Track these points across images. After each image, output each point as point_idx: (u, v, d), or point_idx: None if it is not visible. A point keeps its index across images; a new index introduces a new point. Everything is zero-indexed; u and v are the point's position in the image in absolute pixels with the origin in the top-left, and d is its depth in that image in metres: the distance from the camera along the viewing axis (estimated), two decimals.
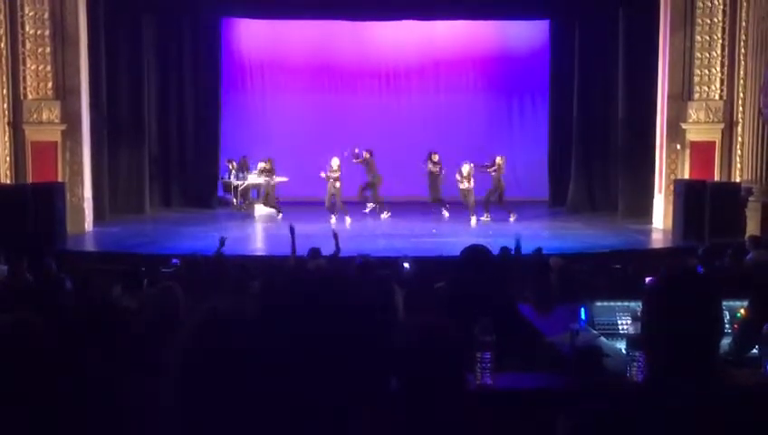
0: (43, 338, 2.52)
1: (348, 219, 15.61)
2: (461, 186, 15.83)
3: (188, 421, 1.49)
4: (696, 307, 2.13)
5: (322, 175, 15.75)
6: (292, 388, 1.44)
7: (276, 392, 1.44)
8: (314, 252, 9.30)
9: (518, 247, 8.97)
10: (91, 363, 2.91)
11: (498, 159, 16.11)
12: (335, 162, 15.82)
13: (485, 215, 15.90)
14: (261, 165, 16.81)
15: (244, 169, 17.93)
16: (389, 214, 16.36)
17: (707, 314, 2.14)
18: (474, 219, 15.64)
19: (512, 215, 15.94)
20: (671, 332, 2.11)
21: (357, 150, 16.41)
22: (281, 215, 16.65)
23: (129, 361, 3.34)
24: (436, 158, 16.35)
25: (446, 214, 16.30)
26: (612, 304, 4.42)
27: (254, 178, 17.43)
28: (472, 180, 15.83)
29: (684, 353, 2.10)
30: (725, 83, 14.66)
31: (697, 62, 14.76)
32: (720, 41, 14.64)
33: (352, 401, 1.47)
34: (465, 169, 15.82)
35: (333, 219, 15.55)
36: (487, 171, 16.03)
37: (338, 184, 15.73)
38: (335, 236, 9.75)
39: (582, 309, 4.40)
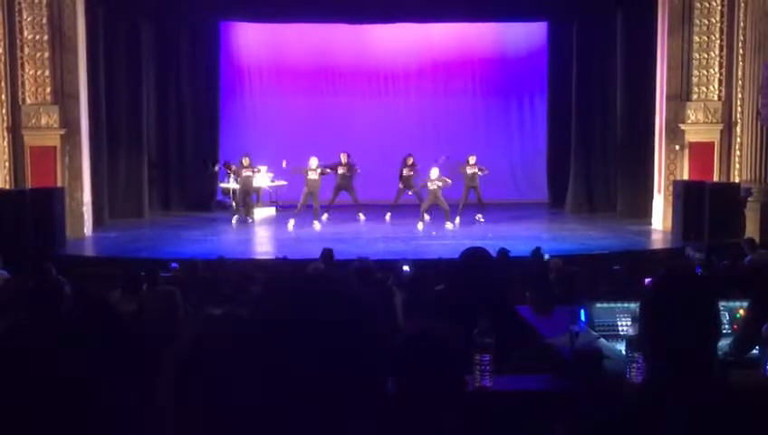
0: (42, 342, 2.52)
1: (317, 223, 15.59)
2: (431, 186, 15.44)
3: (184, 423, 1.49)
4: (693, 309, 2.13)
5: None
6: (288, 391, 1.44)
7: (273, 396, 1.44)
8: (327, 253, 9.32)
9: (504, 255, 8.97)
10: (90, 367, 2.90)
11: (470, 158, 16.05)
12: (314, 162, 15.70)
13: (458, 218, 15.63)
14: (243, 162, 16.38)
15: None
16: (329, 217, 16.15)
17: (704, 315, 2.14)
18: (448, 223, 15.45)
19: (480, 216, 15.95)
20: (668, 334, 2.11)
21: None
22: (251, 219, 16.37)
23: (129, 364, 3.33)
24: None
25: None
26: (612, 305, 4.42)
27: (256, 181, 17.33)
28: (440, 182, 15.51)
29: (681, 355, 2.10)
30: (724, 84, 14.65)
31: (695, 63, 14.77)
32: (718, 41, 14.64)
33: (351, 404, 1.46)
34: (435, 172, 15.51)
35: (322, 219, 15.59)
36: (459, 171, 15.97)
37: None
38: None
39: (582, 310, 4.39)
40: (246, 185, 16.27)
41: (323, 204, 15.97)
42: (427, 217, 15.66)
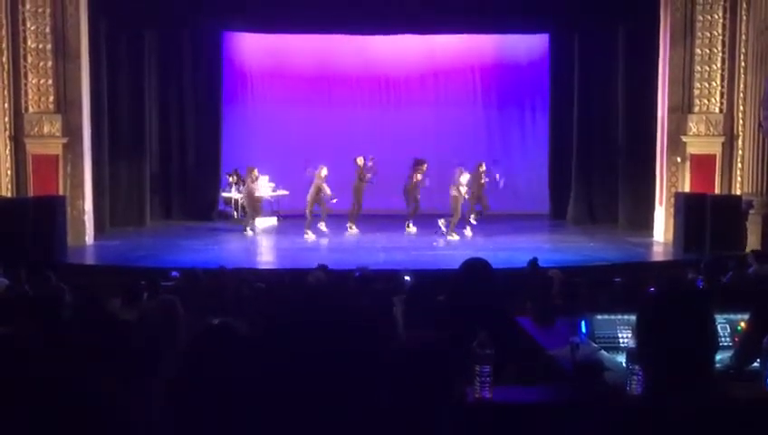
0: (43, 349, 2.52)
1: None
2: (453, 192, 15.37)
3: (183, 428, 1.49)
4: (689, 322, 2.12)
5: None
6: (287, 398, 1.44)
7: (272, 404, 1.44)
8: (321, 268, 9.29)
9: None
10: (90, 375, 2.90)
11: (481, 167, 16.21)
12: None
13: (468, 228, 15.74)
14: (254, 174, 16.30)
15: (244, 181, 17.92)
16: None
17: (699, 328, 2.14)
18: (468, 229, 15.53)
19: (472, 217, 16.03)
20: (664, 346, 2.10)
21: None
22: (248, 230, 16.11)
23: (129, 373, 3.33)
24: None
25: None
26: (613, 317, 4.40)
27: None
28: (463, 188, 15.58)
29: (678, 368, 2.09)
30: (725, 96, 14.67)
31: (697, 76, 14.79)
32: (720, 54, 14.67)
33: (349, 414, 1.46)
34: (465, 177, 15.53)
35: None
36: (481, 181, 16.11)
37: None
38: None
39: (583, 322, 4.38)
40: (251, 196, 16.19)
41: (353, 212, 16.26)
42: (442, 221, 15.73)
